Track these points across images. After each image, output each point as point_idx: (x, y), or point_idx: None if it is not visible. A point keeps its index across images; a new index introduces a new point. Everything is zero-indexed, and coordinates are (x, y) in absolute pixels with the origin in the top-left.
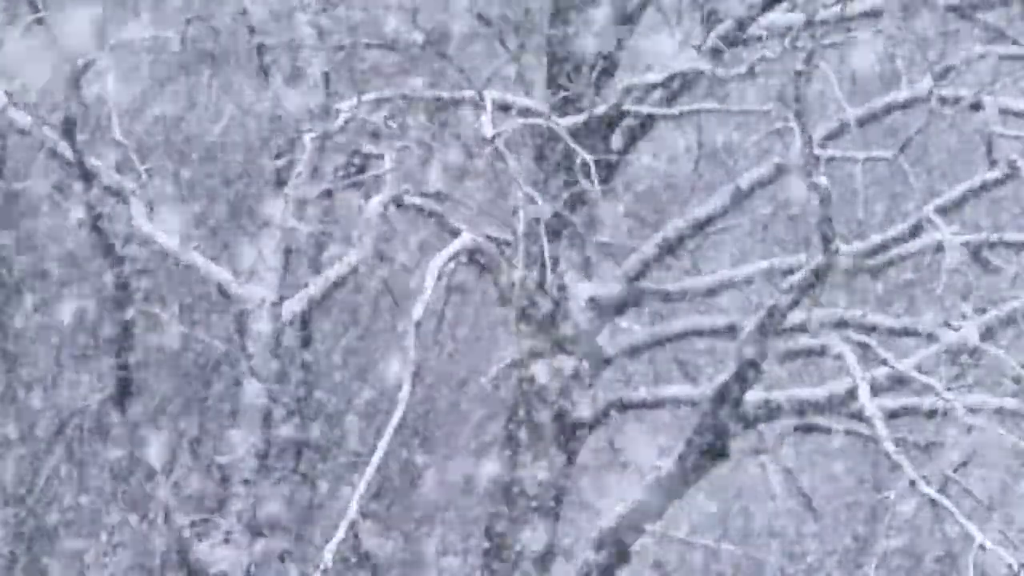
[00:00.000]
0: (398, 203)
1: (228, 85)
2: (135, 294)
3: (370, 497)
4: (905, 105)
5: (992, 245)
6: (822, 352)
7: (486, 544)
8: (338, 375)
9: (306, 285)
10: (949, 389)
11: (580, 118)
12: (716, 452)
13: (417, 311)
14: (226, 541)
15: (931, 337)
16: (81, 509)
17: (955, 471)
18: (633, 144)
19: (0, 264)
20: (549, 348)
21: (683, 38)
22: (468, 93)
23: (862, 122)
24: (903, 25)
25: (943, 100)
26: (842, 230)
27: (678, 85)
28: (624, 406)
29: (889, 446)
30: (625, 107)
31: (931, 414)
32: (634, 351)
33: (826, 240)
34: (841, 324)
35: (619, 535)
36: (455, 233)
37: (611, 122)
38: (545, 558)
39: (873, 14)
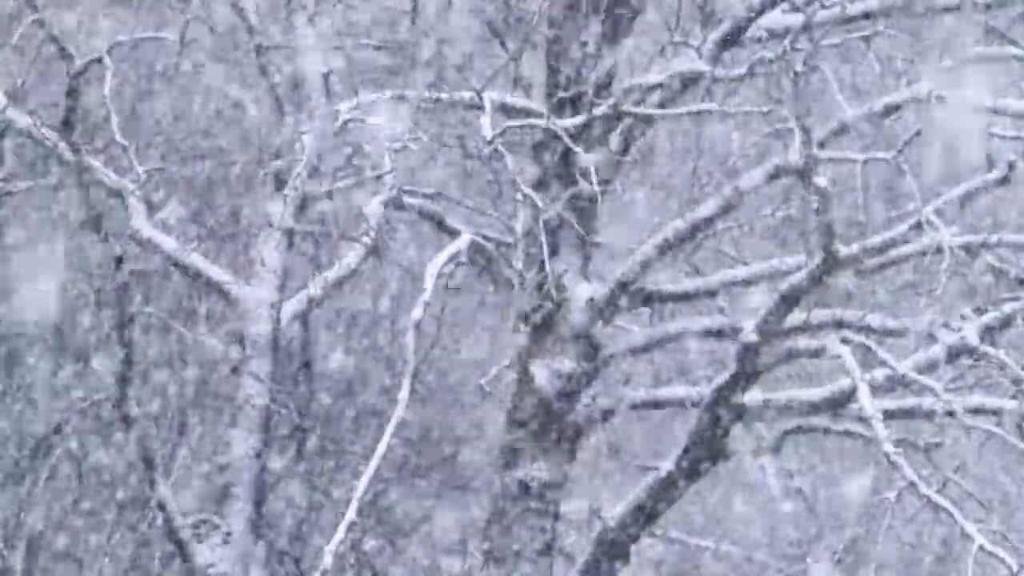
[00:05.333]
0: (398, 204)
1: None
2: (134, 294)
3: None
4: (905, 106)
5: (991, 246)
6: (821, 353)
7: (486, 544)
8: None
9: (306, 286)
10: (949, 390)
11: (579, 119)
12: (715, 453)
13: (417, 312)
14: (226, 542)
15: (931, 338)
16: (80, 510)
17: (954, 472)
18: (632, 145)
19: None
20: (548, 349)
21: (682, 39)
22: (467, 94)
23: (861, 123)
24: (902, 26)
25: (943, 101)
26: (841, 231)
27: (677, 86)
28: (624, 406)
29: (888, 447)
30: (624, 108)
31: (930, 415)
32: (634, 351)
33: (826, 241)
34: (840, 325)
35: (619, 535)
36: (454, 234)
37: (610, 123)
38: (545, 558)
39: (873, 15)
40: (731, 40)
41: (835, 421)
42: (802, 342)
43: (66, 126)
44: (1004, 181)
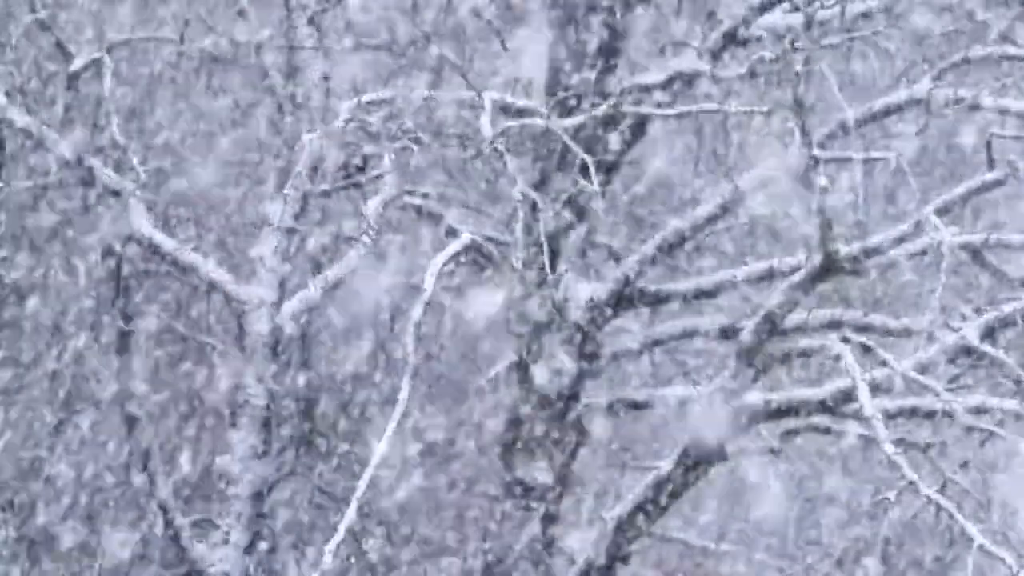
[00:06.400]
0: (398, 203)
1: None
2: (134, 294)
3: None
4: (905, 106)
5: (992, 245)
6: (821, 353)
7: (486, 544)
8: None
9: (306, 286)
10: (949, 390)
11: (579, 119)
12: (716, 452)
13: (417, 311)
14: (226, 541)
15: (931, 338)
16: (81, 509)
17: (955, 472)
18: (632, 145)
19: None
20: (548, 349)
21: (682, 38)
22: (467, 94)
23: (861, 123)
24: (902, 26)
25: (943, 101)
26: (841, 231)
27: (677, 86)
28: (624, 406)
29: (888, 447)
30: (624, 108)
31: (930, 415)
32: (634, 351)
33: (825, 241)
34: (840, 325)
35: (619, 535)
36: (455, 233)
37: (610, 123)
38: (545, 558)
39: (873, 15)
40: (731, 40)
41: (835, 421)
42: (802, 342)
43: (66, 126)
44: (1004, 181)
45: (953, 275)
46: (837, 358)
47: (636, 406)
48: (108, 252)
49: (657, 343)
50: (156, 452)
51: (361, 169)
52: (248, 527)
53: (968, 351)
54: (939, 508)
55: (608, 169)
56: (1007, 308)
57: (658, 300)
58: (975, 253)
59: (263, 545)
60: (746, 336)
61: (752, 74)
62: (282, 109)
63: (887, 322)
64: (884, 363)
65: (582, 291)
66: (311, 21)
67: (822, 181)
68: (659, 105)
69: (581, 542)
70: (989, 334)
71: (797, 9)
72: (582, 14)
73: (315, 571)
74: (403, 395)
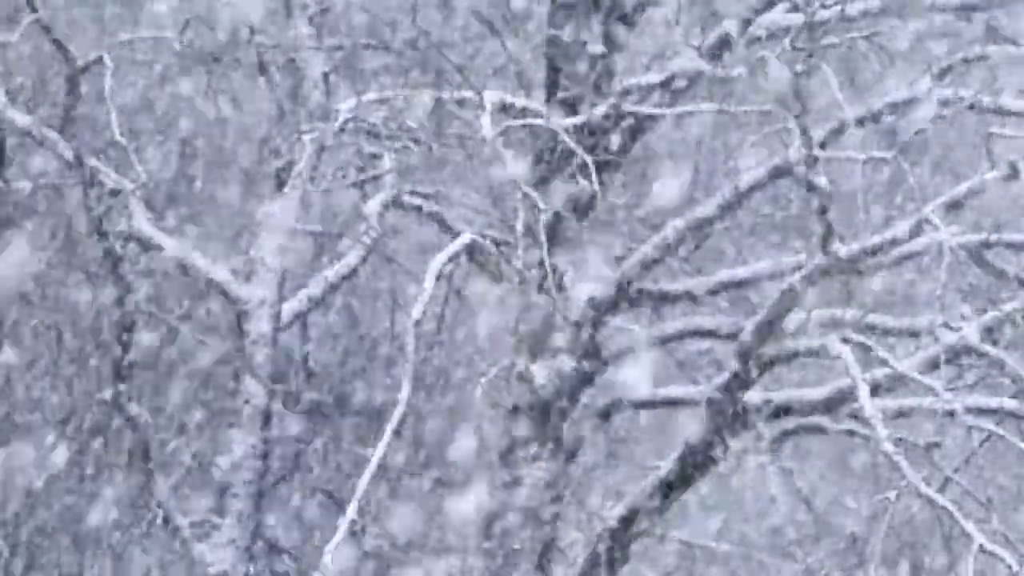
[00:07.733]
0: (398, 203)
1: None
2: (135, 294)
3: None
4: (905, 105)
5: (992, 245)
6: (821, 353)
7: (486, 544)
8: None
9: (306, 285)
10: (949, 390)
11: (579, 118)
12: (715, 453)
13: (416, 311)
14: (226, 542)
15: (930, 338)
16: (81, 509)
17: (955, 472)
18: (632, 144)
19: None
20: (548, 349)
21: (683, 38)
22: (467, 93)
23: (861, 122)
24: (903, 25)
25: (943, 101)
26: (841, 230)
27: (677, 85)
28: (624, 406)
29: (888, 447)
30: (624, 107)
31: (930, 415)
32: (634, 351)
33: (826, 241)
34: (840, 325)
35: (619, 535)
36: (455, 233)
37: (610, 122)
38: (545, 558)
39: (873, 14)
40: (731, 40)
41: (835, 421)
42: (802, 342)
43: (66, 126)
44: (1004, 181)
45: (953, 275)
46: (837, 358)
47: (636, 406)
48: (108, 252)
49: (657, 343)
50: (156, 451)
51: (361, 169)
52: (248, 527)
53: (968, 351)
54: (939, 508)
55: (608, 169)
56: (1007, 308)
57: (658, 300)
58: (975, 253)
59: (263, 545)
60: (746, 336)
61: (753, 73)
62: (282, 109)
63: (887, 322)
64: (884, 363)
65: (582, 291)
66: (311, 21)
67: (822, 181)
68: (660, 105)
69: (581, 542)
70: (989, 334)
71: (797, 9)
72: (582, 14)
73: (315, 571)
74: (403, 395)
